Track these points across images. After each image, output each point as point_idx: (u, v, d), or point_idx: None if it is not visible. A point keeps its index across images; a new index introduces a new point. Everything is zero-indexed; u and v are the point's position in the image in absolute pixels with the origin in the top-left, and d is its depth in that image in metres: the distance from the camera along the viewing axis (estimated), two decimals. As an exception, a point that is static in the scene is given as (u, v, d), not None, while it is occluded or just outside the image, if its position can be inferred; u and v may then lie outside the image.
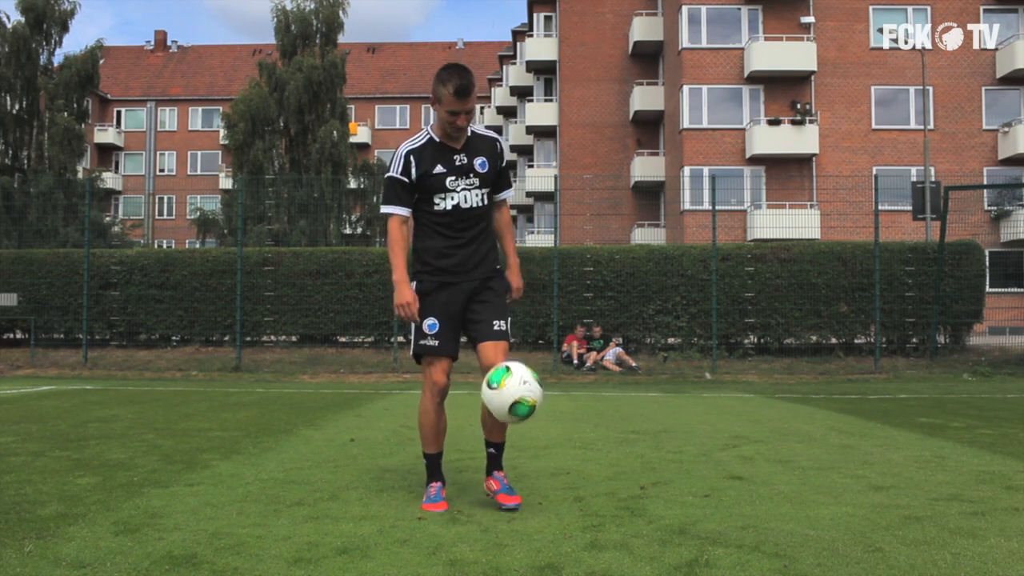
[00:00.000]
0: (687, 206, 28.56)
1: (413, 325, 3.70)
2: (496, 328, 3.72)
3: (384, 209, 3.72)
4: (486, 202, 3.76)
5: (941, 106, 29.10)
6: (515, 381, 3.43)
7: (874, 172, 20.97)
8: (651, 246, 17.70)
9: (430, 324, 3.67)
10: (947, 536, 3.17)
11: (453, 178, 3.67)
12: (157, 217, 50.98)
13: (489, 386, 3.47)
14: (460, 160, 3.67)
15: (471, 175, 3.69)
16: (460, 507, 3.65)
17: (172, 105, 54.70)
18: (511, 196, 3.93)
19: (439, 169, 3.65)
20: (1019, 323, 18.27)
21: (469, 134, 3.72)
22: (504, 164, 3.83)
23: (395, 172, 3.67)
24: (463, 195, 3.68)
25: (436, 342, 3.67)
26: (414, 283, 3.73)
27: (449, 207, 3.68)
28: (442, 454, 3.83)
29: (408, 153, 3.67)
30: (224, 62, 57.76)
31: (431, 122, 3.77)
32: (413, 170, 3.66)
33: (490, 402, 3.48)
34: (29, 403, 8.94)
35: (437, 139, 3.67)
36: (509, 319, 3.84)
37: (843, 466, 4.83)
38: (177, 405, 8.75)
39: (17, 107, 32.83)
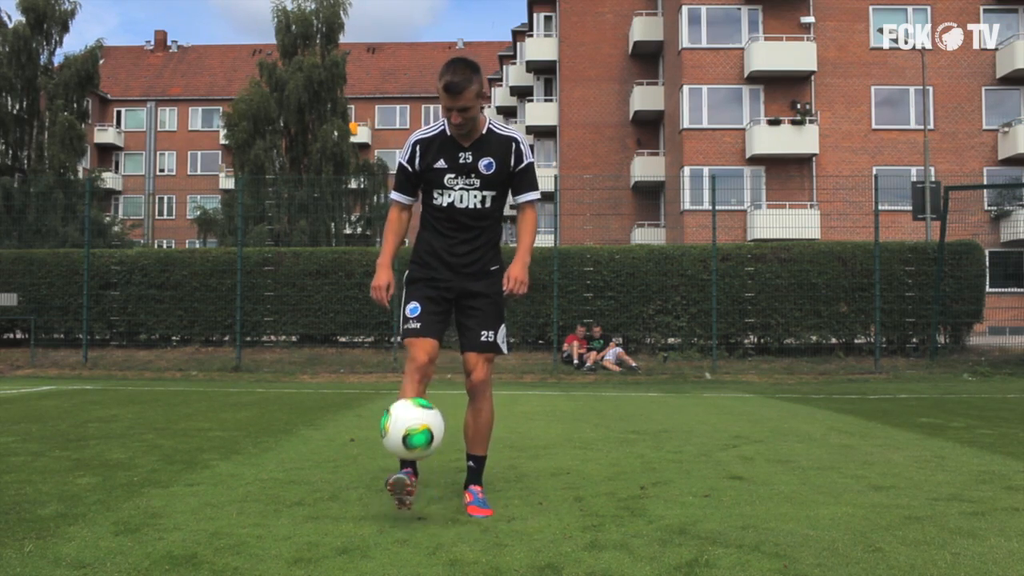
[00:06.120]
0: (687, 206, 28.56)
1: (402, 314, 3.68)
2: (483, 339, 3.66)
3: (390, 194, 3.79)
4: (488, 205, 3.64)
5: (941, 106, 29.09)
6: (393, 420, 3.37)
7: (874, 172, 20.96)
8: (651, 246, 17.71)
9: (411, 308, 3.64)
10: (947, 536, 3.17)
11: (452, 175, 3.60)
12: (157, 217, 50.98)
13: (381, 435, 3.43)
14: (464, 158, 3.59)
15: (472, 175, 3.59)
16: (460, 507, 3.64)
17: (172, 105, 54.69)
18: (535, 198, 3.71)
19: (440, 164, 3.60)
20: (1019, 323, 18.26)
21: (484, 132, 3.61)
22: (525, 165, 3.66)
23: (402, 159, 3.68)
24: (459, 194, 3.61)
25: (417, 324, 3.61)
26: (407, 271, 3.73)
27: (444, 204, 3.64)
28: None
29: (416, 142, 3.66)
30: (224, 62, 57.76)
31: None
32: (417, 160, 3.64)
33: (387, 447, 3.43)
34: (29, 403, 8.93)
35: (448, 133, 3.61)
36: (502, 326, 3.73)
37: (843, 466, 4.82)
38: (177, 405, 8.75)
39: (17, 107, 32.83)
